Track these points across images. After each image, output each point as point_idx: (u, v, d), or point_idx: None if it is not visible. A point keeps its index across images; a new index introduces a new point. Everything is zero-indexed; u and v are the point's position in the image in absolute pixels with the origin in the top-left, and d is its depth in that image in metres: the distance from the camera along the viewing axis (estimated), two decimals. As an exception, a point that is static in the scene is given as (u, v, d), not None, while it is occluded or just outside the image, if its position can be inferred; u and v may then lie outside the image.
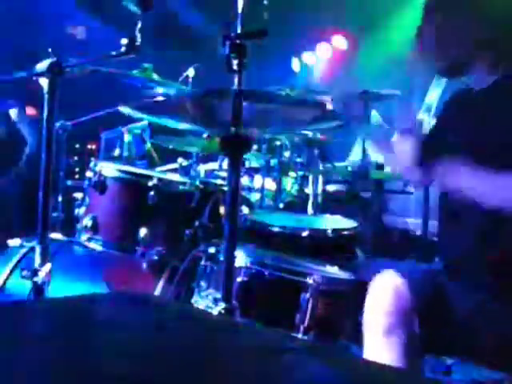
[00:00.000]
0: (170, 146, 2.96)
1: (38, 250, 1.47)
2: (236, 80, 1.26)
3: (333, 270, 1.88)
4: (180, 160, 3.23)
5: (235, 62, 1.24)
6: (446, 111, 1.69)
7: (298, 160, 3.62)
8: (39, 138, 1.43)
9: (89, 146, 4.85)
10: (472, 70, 1.54)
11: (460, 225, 1.51)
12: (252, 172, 3.87)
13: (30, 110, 4.55)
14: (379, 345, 1.38)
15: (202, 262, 1.84)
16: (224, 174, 3.55)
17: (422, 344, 1.38)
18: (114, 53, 1.50)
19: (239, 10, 1.28)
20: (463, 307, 1.40)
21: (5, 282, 2.07)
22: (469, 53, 1.52)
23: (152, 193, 2.09)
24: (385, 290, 1.40)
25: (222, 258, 1.36)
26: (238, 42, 1.24)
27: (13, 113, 4.29)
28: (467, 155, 1.42)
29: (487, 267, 1.39)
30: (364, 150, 3.63)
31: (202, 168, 3.76)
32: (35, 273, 1.44)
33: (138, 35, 1.46)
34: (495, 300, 1.37)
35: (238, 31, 1.27)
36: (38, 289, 1.45)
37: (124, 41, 1.47)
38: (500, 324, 1.36)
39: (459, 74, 1.59)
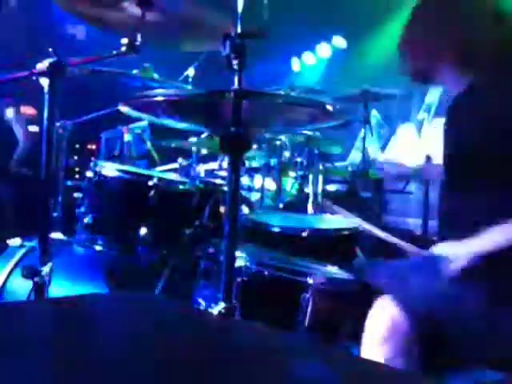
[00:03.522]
0: (172, 145, 2.96)
1: (38, 249, 1.47)
2: (236, 80, 1.26)
3: (333, 270, 1.88)
4: (180, 160, 3.23)
5: (235, 61, 1.24)
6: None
7: (298, 160, 3.62)
8: (33, 138, 1.44)
9: (89, 146, 4.85)
10: (441, 73, 1.53)
11: (459, 224, 1.51)
12: (252, 172, 3.87)
13: (29, 110, 4.55)
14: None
15: (202, 262, 1.84)
16: (224, 174, 3.55)
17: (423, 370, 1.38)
18: (114, 53, 1.50)
19: (239, 10, 1.29)
20: (465, 309, 1.40)
21: (5, 282, 2.07)
22: (437, 53, 1.51)
23: (152, 193, 2.10)
24: (382, 321, 1.39)
25: (221, 258, 1.36)
26: (238, 41, 1.24)
27: (9, 112, 4.30)
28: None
29: (487, 267, 1.39)
30: (364, 150, 3.64)
31: (202, 168, 3.76)
32: (36, 273, 1.44)
33: (138, 35, 1.46)
34: (494, 299, 1.37)
35: (238, 31, 1.27)
36: (39, 289, 1.45)
37: (124, 41, 1.47)
38: (500, 324, 1.36)
39: (429, 80, 1.59)
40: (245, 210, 2.86)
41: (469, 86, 1.50)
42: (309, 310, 1.67)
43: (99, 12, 1.61)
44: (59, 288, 1.87)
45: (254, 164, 3.85)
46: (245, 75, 1.27)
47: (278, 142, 3.41)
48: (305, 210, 3.37)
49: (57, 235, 2.27)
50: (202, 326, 0.83)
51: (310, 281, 1.69)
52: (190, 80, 2.98)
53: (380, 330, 1.38)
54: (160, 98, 1.26)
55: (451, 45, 1.48)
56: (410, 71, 1.59)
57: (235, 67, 1.25)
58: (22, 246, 2.18)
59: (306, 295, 1.67)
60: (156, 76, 2.53)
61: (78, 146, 4.71)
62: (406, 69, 1.58)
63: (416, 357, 1.36)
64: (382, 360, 1.35)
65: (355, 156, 4.40)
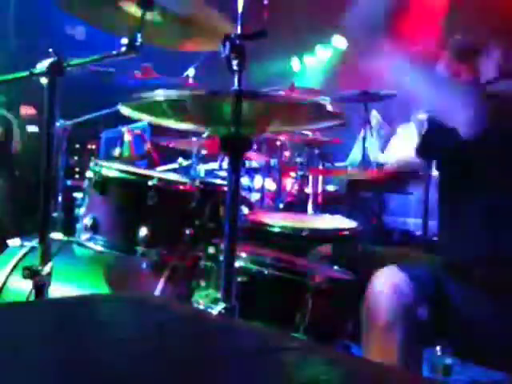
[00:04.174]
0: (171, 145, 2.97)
1: (38, 249, 1.47)
2: (236, 80, 1.26)
3: (331, 269, 1.88)
4: (180, 160, 3.23)
5: (235, 62, 1.24)
6: None
7: (298, 160, 3.63)
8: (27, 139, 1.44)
9: (89, 146, 4.85)
10: (485, 56, 1.53)
11: (459, 222, 1.52)
12: (252, 172, 3.87)
13: (29, 110, 4.55)
14: (379, 340, 1.38)
15: (202, 262, 1.84)
16: (224, 174, 3.55)
17: (424, 336, 1.38)
18: (114, 53, 1.50)
19: (239, 10, 1.29)
20: (462, 305, 1.40)
21: (5, 282, 2.07)
22: (485, 37, 1.51)
23: (152, 193, 2.09)
24: (385, 285, 1.40)
25: (221, 258, 1.36)
26: (237, 42, 1.24)
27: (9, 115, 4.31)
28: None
29: (486, 265, 1.40)
30: (364, 150, 3.63)
31: (202, 168, 3.76)
32: (36, 273, 1.44)
33: (139, 35, 1.46)
34: (493, 299, 1.37)
35: (238, 32, 1.27)
36: (39, 289, 1.45)
37: (124, 41, 1.47)
38: (499, 323, 1.36)
39: (471, 58, 1.58)
40: (245, 210, 2.86)
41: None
42: (309, 309, 1.67)
43: (99, 12, 1.61)
44: (59, 288, 1.87)
45: (254, 164, 3.85)
46: (245, 75, 1.27)
47: (277, 142, 3.42)
48: (305, 210, 3.37)
49: (57, 235, 2.27)
50: (202, 326, 0.83)
51: (310, 281, 1.69)
52: (190, 80, 2.98)
53: (381, 298, 1.39)
54: (160, 99, 1.26)
55: (504, 24, 1.49)
56: (454, 47, 1.59)
57: (235, 68, 1.25)
58: (21, 245, 2.18)
59: (306, 295, 1.67)
60: (156, 75, 2.54)
61: (78, 145, 4.71)
62: (452, 45, 1.59)
63: (416, 322, 1.36)
64: (382, 327, 1.35)
65: (355, 156, 4.39)
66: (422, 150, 1.64)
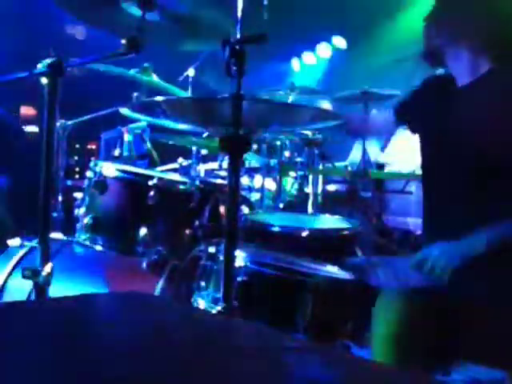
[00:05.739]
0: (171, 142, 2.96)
1: (38, 249, 1.47)
2: (236, 83, 1.26)
3: (333, 270, 1.88)
4: (180, 160, 3.23)
5: (235, 67, 1.24)
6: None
7: (298, 160, 3.62)
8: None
9: (89, 146, 4.85)
10: (456, 56, 1.54)
11: (444, 224, 1.52)
12: (252, 172, 3.87)
13: (29, 110, 4.55)
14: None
15: (202, 262, 1.84)
16: (224, 174, 3.55)
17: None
18: (114, 53, 1.50)
19: (239, 13, 1.28)
20: (462, 308, 1.40)
21: (5, 282, 2.07)
22: (461, 34, 1.52)
23: (152, 193, 2.09)
24: (388, 313, 1.40)
25: (221, 258, 1.35)
26: (237, 47, 1.24)
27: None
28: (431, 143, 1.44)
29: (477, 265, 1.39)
30: (364, 150, 3.63)
31: (202, 168, 3.76)
32: (36, 273, 1.44)
33: (138, 35, 1.46)
34: (492, 298, 1.37)
35: (238, 36, 1.26)
36: (39, 289, 1.45)
37: (124, 41, 1.47)
38: (499, 323, 1.36)
39: (440, 61, 1.60)
40: (245, 210, 2.86)
41: (480, 77, 1.50)
42: (309, 309, 1.67)
43: (99, 12, 1.61)
44: (59, 288, 1.87)
45: (254, 164, 3.85)
46: (245, 75, 1.27)
47: (278, 142, 3.42)
48: (305, 210, 3.37)
49: (57, 235, 2.27)
50: (202, 326, 0.83)
51: (310, 281, 1.69)
52: (190, 80, 2.98)
53: (386, 325, 1.39)
54: (160, 99, 1.26)
55: (476, 29, 1.49)
56: (425, 48, 1.60)
57: (234, 73, 1.25)
58: (22, 246, 2.18)
59: (305, 295, 1.67)
60: (156, 76, 2.54)
61: (78, 145, 4.72)
62: (424, 45, 1.60)
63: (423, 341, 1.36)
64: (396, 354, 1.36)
65: (355, 156, 4.39)
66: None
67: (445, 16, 1.56)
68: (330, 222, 2.47)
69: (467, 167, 1.46)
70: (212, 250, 1.79)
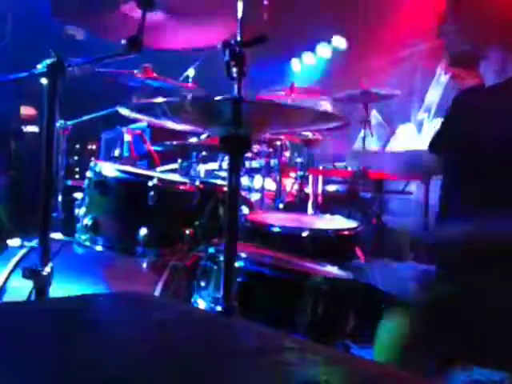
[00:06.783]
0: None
1: (38, 249, 1.47)
2: (236, 86, 1.26)
3: (333, 270, 1.88)
4: (180, 160, 3.23)
5: (235, 69, 1.24)
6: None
7: (298, 160, 3.63)
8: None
9: (89, 146, 4.86)
10: (486, 60, 1.53)
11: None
12: (252, 172, 3.87)
13: (29, 110, 4.55)
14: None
15: (202, 262, 1.84)
16: (224, 174, 3.55)
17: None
18: (114, 53, 1.50)
19: (239, 14, 1.28)
20: (465, 308, 1.40)
21: (5, 282, 2.07)
22: (486, 41, 1.51)
23: (152, 193, 2.09)
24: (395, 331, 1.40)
25: (221, 258, 1.35)
26: (237, 49, 1.24)
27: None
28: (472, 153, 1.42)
29: (478, 265, 1.39)
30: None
31: (202, 168, 3.76)
32: (36, 273, 1.44)
33: (139, 35, 1.46)
34: (491, 298, 1.37)
35: (238, 38, 1.26)
36: (39, 289, 1.45)
37: (124, 41, 1.47)
38: (499, 322, 1.36)
39: (472, 65, 1.57)
40: (245, 210, 2.86)
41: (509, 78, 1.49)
42: (309, 310, 1.67)
43: (98, 17, 1.61)
44: (59, 288, 1.87)
45: (254, 164, 3.85)
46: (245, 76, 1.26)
47: (277, 142, 3.42)
48: (305, 210, 3.37)
49: (57, 235, 2.27)
50: (202, 326, 0.83)
51: (310, 281, 1.69)
52: (190, 80, 2.98)
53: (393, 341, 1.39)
54: (160, 100, 1.26)
55: (503, 27, 1.48)
56: (453, 54, 1.58)
57: (235, 75, 1.25)
58: (22, 246, 2.18)
59: (306, 295, 1.67)
60: (156, 76, 2.54)
61: (78, 146, 4.72)
62: (450, 51, 1.58)
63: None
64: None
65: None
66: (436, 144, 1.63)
67: (469, 22, 1.54)
68: (330, 222, 2.47)
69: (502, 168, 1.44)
70: (212, 250, 1.79)
